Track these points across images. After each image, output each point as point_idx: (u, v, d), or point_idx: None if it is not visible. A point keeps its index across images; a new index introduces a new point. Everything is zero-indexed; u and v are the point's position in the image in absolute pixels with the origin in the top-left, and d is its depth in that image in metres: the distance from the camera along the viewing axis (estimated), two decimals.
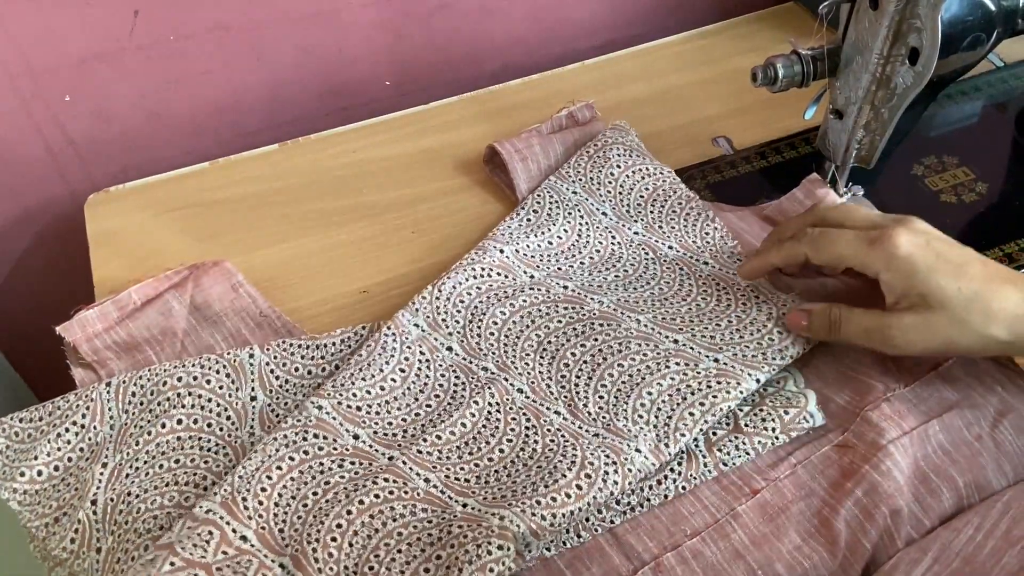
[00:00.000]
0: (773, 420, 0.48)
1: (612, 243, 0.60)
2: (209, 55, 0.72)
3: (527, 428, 0.49)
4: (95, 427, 0.50)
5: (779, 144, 0.69)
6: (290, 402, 0.52)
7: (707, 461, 0.47)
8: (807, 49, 0.57)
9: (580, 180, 0.63)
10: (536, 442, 0.48)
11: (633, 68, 0.79)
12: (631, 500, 0.46)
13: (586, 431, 0.48)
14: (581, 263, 0.58)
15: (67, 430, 0.50)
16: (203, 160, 0.72)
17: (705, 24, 0.83)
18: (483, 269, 0.57)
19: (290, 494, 0.46)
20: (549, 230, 0.60)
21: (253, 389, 0.52)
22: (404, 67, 0.80)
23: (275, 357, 0.53)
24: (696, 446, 0.48)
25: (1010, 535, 0.42)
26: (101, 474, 0.48)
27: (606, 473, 0.45)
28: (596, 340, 0.52)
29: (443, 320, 0.54)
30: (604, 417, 0.48)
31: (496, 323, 0.54)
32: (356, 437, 0.48)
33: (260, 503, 0.45)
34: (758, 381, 0.49)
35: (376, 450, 0.48)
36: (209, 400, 0.51)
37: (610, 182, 0.62)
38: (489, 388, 0.50)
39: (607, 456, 0.46)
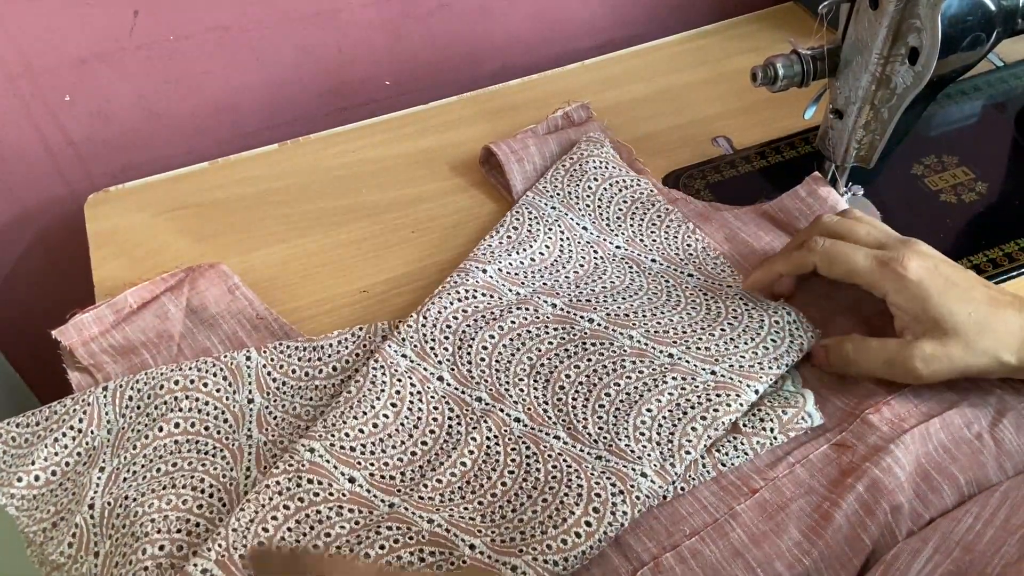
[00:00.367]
0: (771, 420, 0.48)
1: (595, 257, 0.59)
2: (208, 55, 0.72)
3: (527, 457, 0.48)
4: (92, 431, 0.50)
5: (779, 144, 0.69)
6: (287, 404, 0.52)
7: (705, 462, 0.47)
8: (807, 49, 0.57)
9: (558, 195, 0.62)
10: (538, 470, 0.47)
11: (633, 68, 0.79)
12: None
13: (588, 454, 0.47)
14: (566, 277, 0.57)
15: (64, 434, 0.50)
16: (203, 160, 0.72)
17: (705, 24, 0.83)
18: (467, 291, 0.55)
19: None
20: (531, 246, 0.59)
21: (250, 392, 0.52)
22: (403, 67, 0.80)
23: (272, 359, 0.53)
24: None
25: (1009, 524, 0.43)
26: (99, 478, 0.48)
27: (614, 504, 0.44)
28: (590, 360, 0.51)
29: (431, 348, 0.52)
30: (605, 438, 0.47)
31: (486, 347, 0.53)
32: (352, 480, 0.47)
33: None
34: (756, 392, 0.48)
35: (375, 496, 0.47)
36: (206, 403, 0.51)
37: (588, 196, 0.62)
38: (485, 421, 0.49)
39: (612, 484, 0.45)
